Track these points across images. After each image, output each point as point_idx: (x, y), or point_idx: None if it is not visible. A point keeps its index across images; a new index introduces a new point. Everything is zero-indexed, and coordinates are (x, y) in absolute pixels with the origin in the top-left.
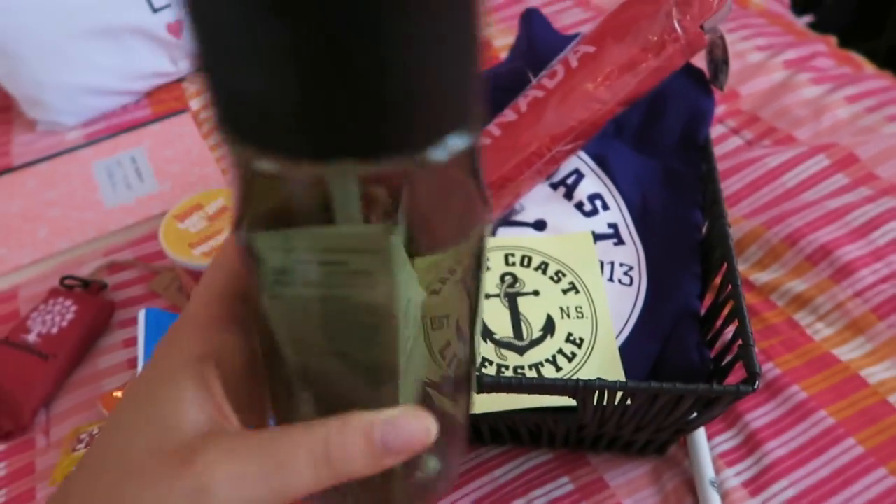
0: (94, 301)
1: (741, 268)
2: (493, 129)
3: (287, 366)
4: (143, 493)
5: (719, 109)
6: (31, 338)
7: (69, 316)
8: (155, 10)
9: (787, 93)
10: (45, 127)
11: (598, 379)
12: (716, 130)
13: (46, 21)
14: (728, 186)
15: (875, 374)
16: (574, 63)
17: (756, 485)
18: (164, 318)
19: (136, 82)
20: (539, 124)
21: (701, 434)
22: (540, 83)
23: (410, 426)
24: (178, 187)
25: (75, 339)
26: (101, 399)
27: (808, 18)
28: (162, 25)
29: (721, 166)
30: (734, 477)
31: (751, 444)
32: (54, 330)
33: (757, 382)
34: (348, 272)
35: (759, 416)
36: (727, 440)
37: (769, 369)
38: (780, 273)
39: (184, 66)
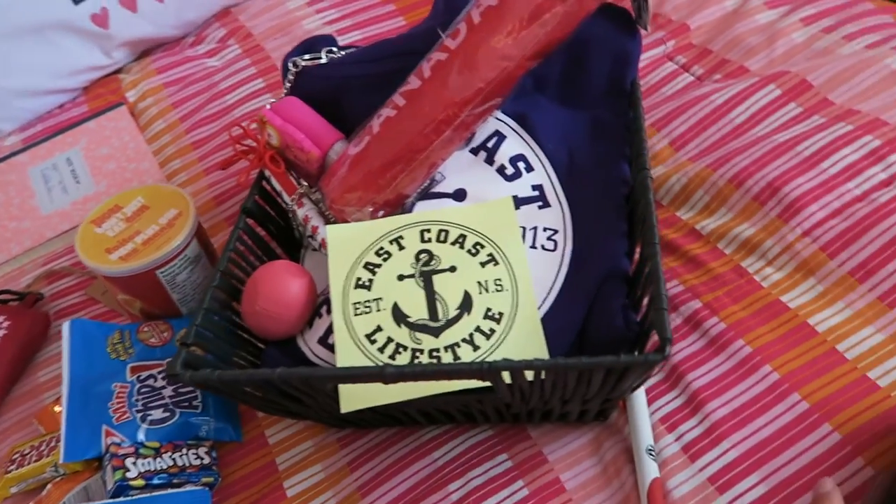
0: (27, 314)
1: (687, 215)
2: (398, 98)
3: None
4: None
5: (669, 45)
6: None
7: (1, 332)
8: (76, 2)
9: (739, 20)
10: None
11: (504, 359)
12: (665, 68)
13: None
14: (675, 128)
15: (825, 320)
16: (477, 19)
17: (696, 448)
18: (90, 328)
19: (70, 79)
20: (444, 89)
21: (640, 398)
22: (443, 45)
23: None
24: (114, 186)
25: (10, 355)
26: (36, 415)
27: None
28: (86, 17)
29: (669, 106)
30: (675, 442)
31: (694, 405)
32: None
33: (667, 349)
34: None
35: (702, 374)
36: (670, 401)
37: (713, 324)
38: (727, 218)
39: (118, 56)
